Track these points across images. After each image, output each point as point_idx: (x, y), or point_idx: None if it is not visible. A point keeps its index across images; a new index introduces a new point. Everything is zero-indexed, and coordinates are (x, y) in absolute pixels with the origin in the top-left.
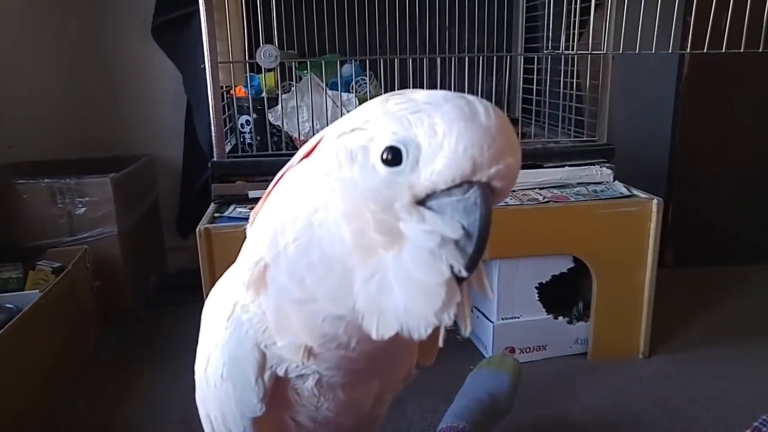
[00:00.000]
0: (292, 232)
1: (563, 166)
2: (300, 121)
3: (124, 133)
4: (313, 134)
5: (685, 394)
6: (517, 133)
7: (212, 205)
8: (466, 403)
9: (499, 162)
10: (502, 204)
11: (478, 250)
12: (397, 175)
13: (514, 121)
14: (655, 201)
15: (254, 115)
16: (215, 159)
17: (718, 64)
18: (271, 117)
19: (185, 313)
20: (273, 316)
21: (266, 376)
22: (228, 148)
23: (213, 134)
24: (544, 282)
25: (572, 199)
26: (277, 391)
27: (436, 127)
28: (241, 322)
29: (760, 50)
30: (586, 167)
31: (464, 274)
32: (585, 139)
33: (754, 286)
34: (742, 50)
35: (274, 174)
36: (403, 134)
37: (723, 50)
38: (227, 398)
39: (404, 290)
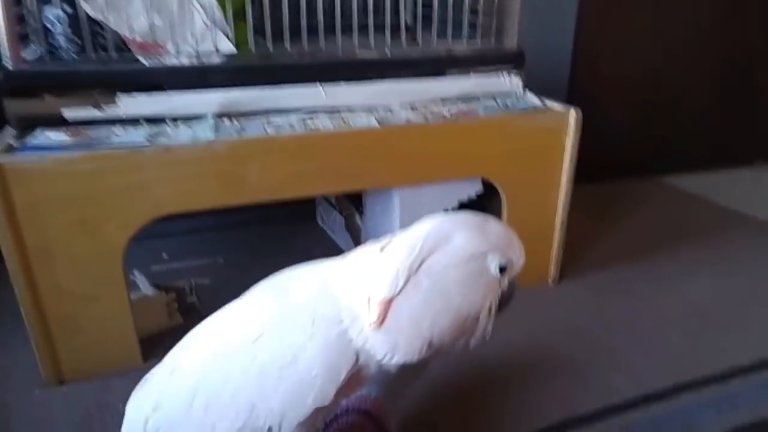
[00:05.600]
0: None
1: (468, 74)
2: (132, 13)
3: None
4: (153, 33)
5: (598, 319)
6: (412, 38)
7: (7, 129)
8: None
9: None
10: (404, 122)
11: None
12: (504, 276)
13: (405, 29)
14: (572, 112)
15: (69, 9)
16: (10, 66)
17: None
18: (90, 9)
19: None
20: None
21: (350, 376)
22: (36, 55)
23: (1, 30)
24: (450, 209)
25: (482, 114)
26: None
27: (517, 251)
28: (350, 339)
29: None
30: (494, 76)
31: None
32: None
33: (651, 201)
34: None
35: (99, 86)
36: (507, 256)
37: None
38: (309, 389)
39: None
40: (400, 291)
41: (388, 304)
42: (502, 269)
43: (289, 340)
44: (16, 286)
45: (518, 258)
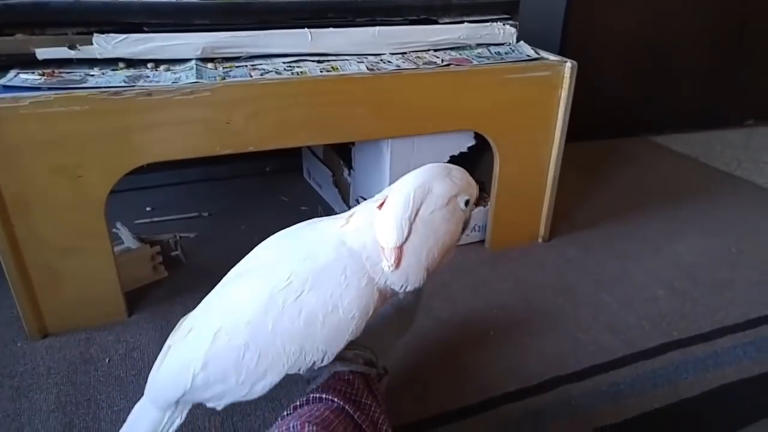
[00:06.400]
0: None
1: (462, 22)
2: None
3: None
4: None
5: (589, 278)
6: None
7: None
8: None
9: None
10: (395, 69)
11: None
12: (467, 209)
13: None
14: (568, 65)
15: None
16: None
17: None
18: None
19: None
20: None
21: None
22: None
23: None
24: None
25: (475, 62)
26: None
27: (474, 188)
28: (375, 282)
29: None
30: (487, 24)
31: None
32: None
33: (640, 160)
34: None
35: (71, 22)
36: (469, 193)
37: None
38: (348, 327)
39: None
40: (407, 239)
41: (399, 250)
42: (466, 203)
43: (329, 293)
44: None
45: (475, 193)
